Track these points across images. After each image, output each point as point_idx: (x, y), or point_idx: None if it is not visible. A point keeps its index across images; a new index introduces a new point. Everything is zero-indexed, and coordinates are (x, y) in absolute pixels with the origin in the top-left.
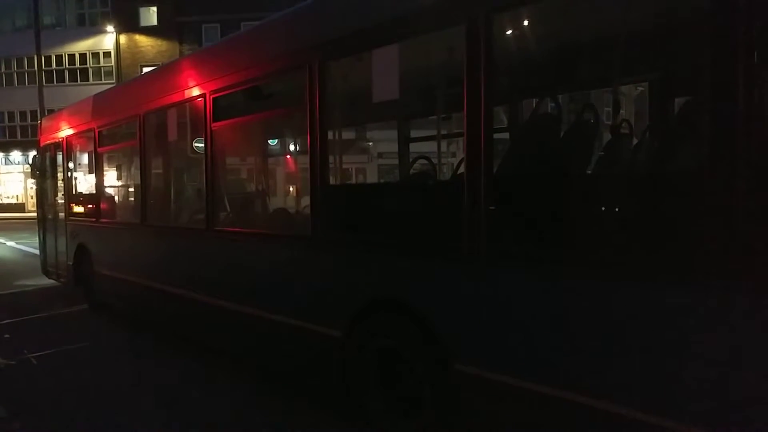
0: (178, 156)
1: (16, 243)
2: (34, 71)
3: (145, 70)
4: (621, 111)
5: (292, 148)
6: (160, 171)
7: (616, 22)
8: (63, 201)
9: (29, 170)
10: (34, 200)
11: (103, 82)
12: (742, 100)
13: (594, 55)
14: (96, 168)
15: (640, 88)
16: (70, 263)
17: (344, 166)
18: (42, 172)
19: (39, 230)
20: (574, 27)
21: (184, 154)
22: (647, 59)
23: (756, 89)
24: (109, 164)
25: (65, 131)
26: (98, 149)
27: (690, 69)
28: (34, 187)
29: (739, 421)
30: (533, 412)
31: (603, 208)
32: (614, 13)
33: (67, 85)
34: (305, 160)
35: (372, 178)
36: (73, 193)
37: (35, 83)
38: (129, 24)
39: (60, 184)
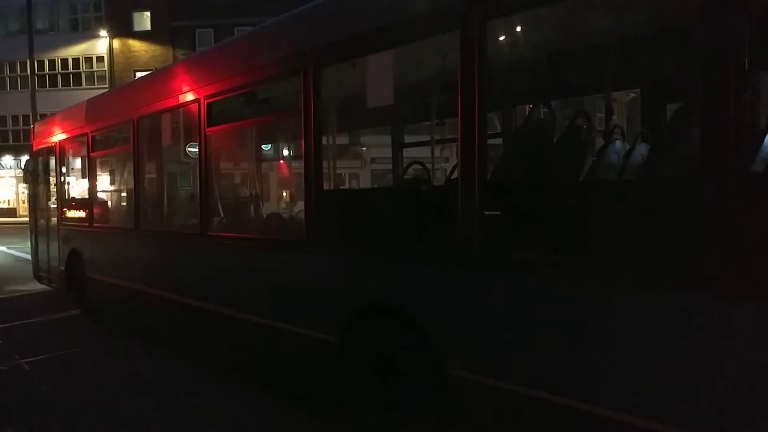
0: (172, 161)
1: (8, 248)
2: (27, 75)
3: (139, 74)
4: (613, 117)
5: (286, 153)
6: (154, 176)
7: (608, 29)
8: (55, 206)
9: (21, 175)
10: (26, 205)
11: (97, 86)
12: (733, 105)
13: (587, 62)
14: (89, 173)
15: (632, 95)
16: (63, 268)
17: (338, 171)
18: (34, 177)
19: (31, 235)
20: (567, 34)
21: (177, 158)
22: (639, 66)
23: (748, 95)
24: (103, 169)
25: (58, 136)
26: (91, 154)
27: (681, 75)
28: (26, 191)
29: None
30: (529, 417)
31: (596, 213)
32: (607, 20)
33: (60, 90)
34: (299, 164)
35: (366, 183)
36: (66, 197)
37: (28, 87)
38: (122, 29)
39: (53, 188)
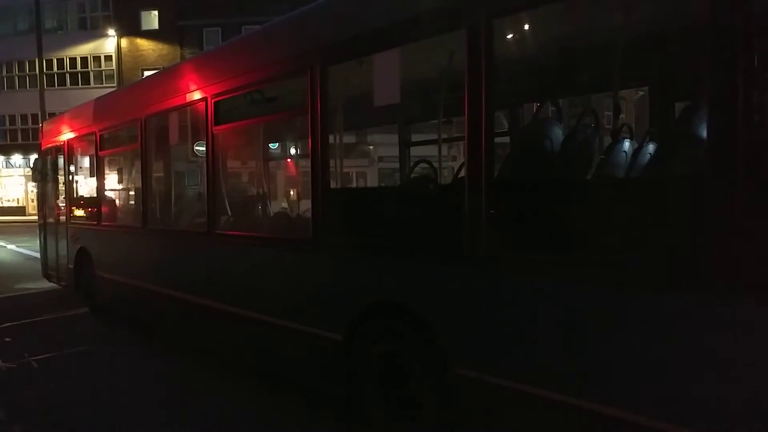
0: (180, 160)
1: (17, 246)
2: (36, 74)
3: (147, 73)
4: (621, 115)
5: (293, 151)
6: (162, 174)
7: (616, 27)
8: (64, 204)
9: (30, 173)
10: (35, 203)
11: (105, 85)
12: (741, 103)
13: (594, 60)
14: (97, 171)
15: (641, 93)
16: (71, 266)
17: (345, 170)
18: (43, 176)
19: (40, 233)
20: (575, 32)
21: (185, 157)
22: (647, 64)
23: (756, 93)
24: (111, 168)
25: (66, 135)
26: (99, 153)
27: (690, 73)
28: (35, 190)
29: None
30: (533, 416)
31: (604, 213)
32: (615, 17)
33: (68, 89)
34: (306, 163)
35: (373, 181)
36: (74, 196)
37: (36, 86)
38: (130, 27)
39: (61, 187)
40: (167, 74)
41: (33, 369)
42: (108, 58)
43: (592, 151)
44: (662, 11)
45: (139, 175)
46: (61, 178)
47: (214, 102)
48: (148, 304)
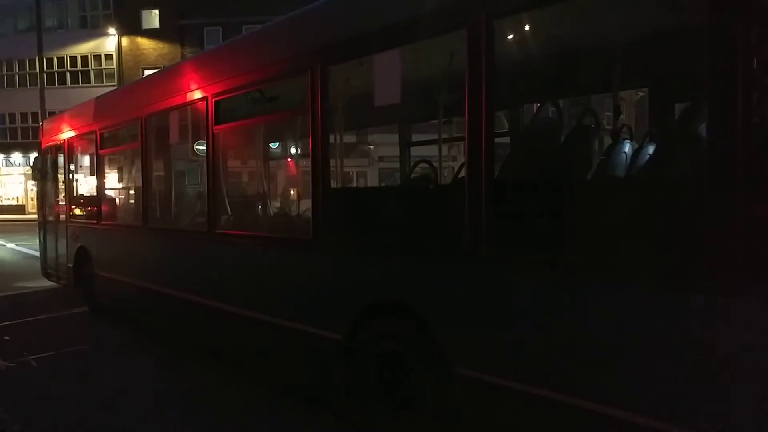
0: (180, 159)
1: (16, 245)
2: (36, 73)
3: (147, 72)
4: (621, 116)
5: (293, 151)
6: (162, 174)
7: (617, 28)
8: (64, 203)
9: (30, 172)
10: (35, 202)
11: (105, 84)
12: (741, 104)
13: (595, 61)
14: (97, 170)
15: (641, 93)
16: (71, 265)
17: (345, 170)
18: (43, 174)
19: (39, 232)
20: (575, 32)
21: (185, 156)
22: (647, 64)
23: (756, 93)
24: (111, 167)
25: (67, 133)
26: (99, 151)
27: (690, 73)
28: (35, 189)
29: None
30: (534, 416)
31: (603, 213)
32: (615, 18)
33: (68, 88)
34: (306, 163)
35: (373, 181)
36: (74, 195)
37: (37, 85)
38: (131, 26)
39: (61, 186)
40: (168, 73)
41: (32, 368)
42: (108, 56)
43: (592, 152)
44: (662, 11)
45: (140, 174)
46: (61, 177)
47: (215, 101)
48: (147, 304)
